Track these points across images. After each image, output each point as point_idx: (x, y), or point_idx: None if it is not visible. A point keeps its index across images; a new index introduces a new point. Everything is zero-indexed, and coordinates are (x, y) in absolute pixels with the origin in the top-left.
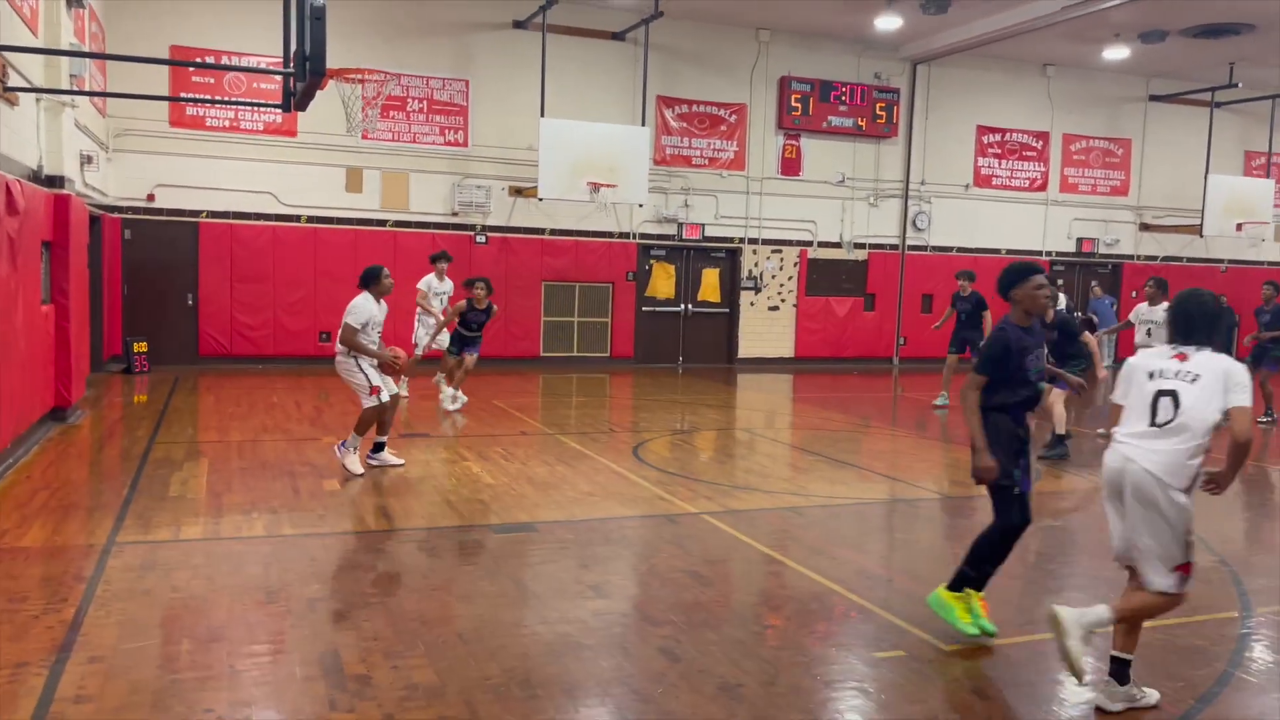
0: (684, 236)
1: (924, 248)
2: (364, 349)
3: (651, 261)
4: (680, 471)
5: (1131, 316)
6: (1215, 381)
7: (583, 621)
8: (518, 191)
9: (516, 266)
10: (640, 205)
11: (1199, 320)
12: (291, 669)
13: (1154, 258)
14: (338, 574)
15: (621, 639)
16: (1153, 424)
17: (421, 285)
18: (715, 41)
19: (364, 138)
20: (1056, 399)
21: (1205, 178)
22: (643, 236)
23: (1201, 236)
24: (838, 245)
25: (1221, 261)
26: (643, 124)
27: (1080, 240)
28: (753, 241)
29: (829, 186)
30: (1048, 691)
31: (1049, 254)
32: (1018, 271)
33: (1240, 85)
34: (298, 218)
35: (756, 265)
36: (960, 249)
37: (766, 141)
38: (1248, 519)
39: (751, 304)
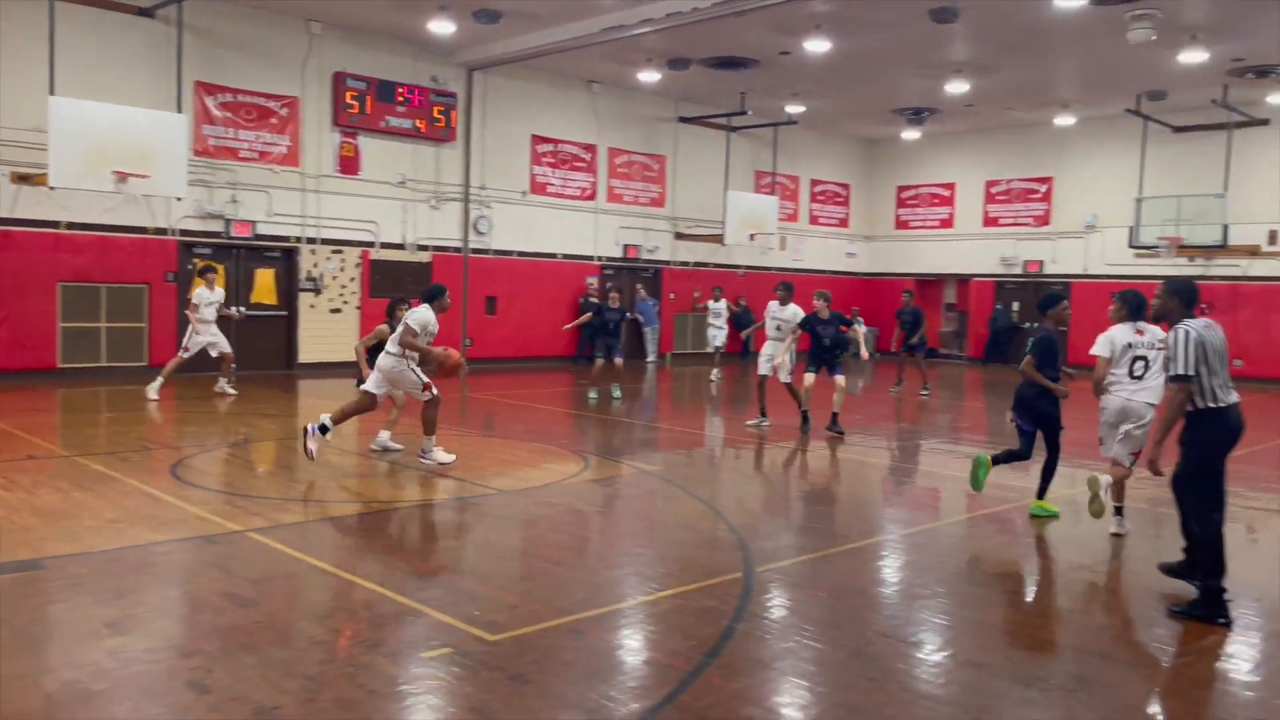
0: (233, 234)
1: (486, 251)
2: (422, 349)
3: (196, 261)
4: (226, 488)
5: (765, 315)
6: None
7: (95, 664)
8: (22, 178)
9: (22, 265)
10: (179, 199)
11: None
12: None
13: (687, 263)
14: None
15: (143, 678)
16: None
17: (195, 298)
18: (261, 29)
19: None
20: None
21: (725, 193)
22: (184, 233)
23: (724, 245)
24: (401, 247)
25: (740, 267)
26: (179, 110)
27: (626, 246)
28: (311, 241)
29: (390, 187)
30: (587, 672)
31: (600, 259)
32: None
33: (750, 113)
34: None
35: (316, 266)
36: (521, 253)
37: (322, 138)
38: (753, 489)
39: (312, 306)
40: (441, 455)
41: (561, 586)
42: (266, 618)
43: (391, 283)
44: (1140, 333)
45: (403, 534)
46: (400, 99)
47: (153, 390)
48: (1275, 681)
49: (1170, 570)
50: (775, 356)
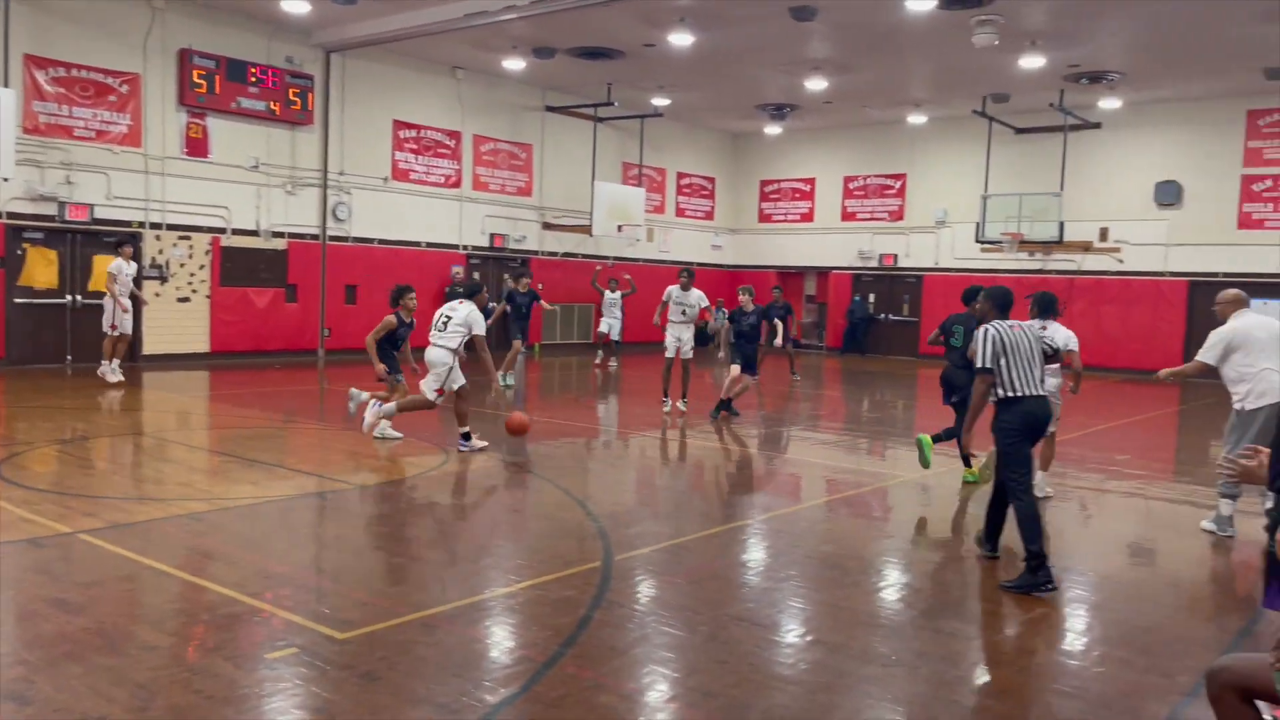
0: (68, 218)
1: (346, 239)
2: (485, 353)
3: (25, 245)
4: (56, 488)
5: (665, 297)
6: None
7: None
8: None
9: None
10: (6, 179)
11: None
12: None
13: (555, 253)
14: None
15: None
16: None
17: (112, 269)
18: (98, 0)
19: None
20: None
21: (592, 184)
22: (12, 216)
23: (592, 235)
24: (254, 233)
25: (609, 258)
26: (5, 85)
27: (493, 236)
28: (155, 226)
29: (242, 171)
30: (440, 667)
31: (466, 248)
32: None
33: (617, 104)
34: None
35: (161, 253)
36: (382, 241)
37: (167, 118)
38: (618, 478)
39: (158, 295)
40: (478, 442)
41: (416, 581)
42: (96, 624)
43: (245, 271)
44: (1044, 328)
45: (251, 533)
46: (253, 79)
47: (111, 374)
48: (1098, 650)
49: (981, 540)
50: (681, 338)
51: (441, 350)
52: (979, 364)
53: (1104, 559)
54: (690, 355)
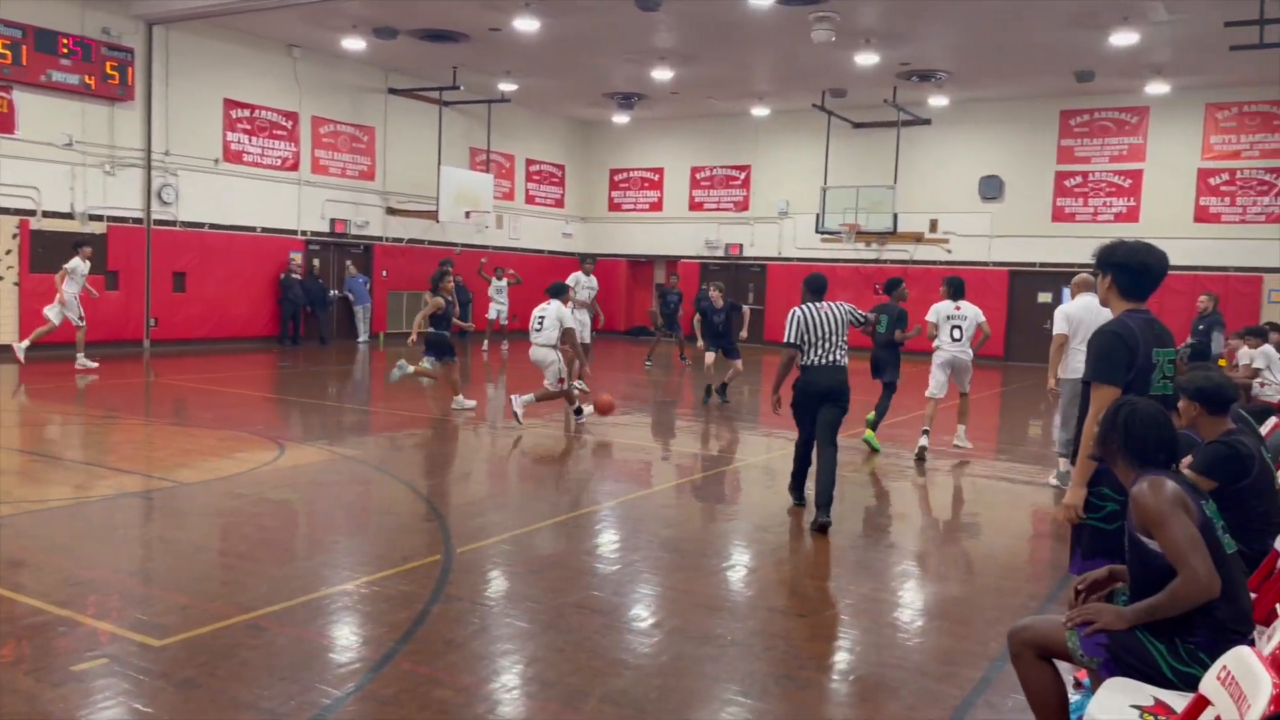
0: None
1: (173, 223)
2: (575, 344)
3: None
4: None
5: (570, 280)
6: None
7: None
8: None
9: None
10: None
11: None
12: None
13: (401, 239)
14: None
15: None
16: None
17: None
18: None
19: None
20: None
21: (438, 169)
22: None
23: (439, 222)
24: (69, 216)
25: (456, 244)
26: None
27: (334, 221)
28: None
29: (55, 149)
30: (267, 670)
31: (305, 233)
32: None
33: (463, 88)
34: None
35: None
36: (213, 225)
37: None
38: (462, 469)
39: None
40: (587, 407)
41: (243, 582)
42: None
43: (59, 256)
44: (958, 308)
45: (62, 537)
46: (64, 51)
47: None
48: (919, 621)
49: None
50: (584, 322)
51: (543, 349)
52: (785, 339)
53: (928, 534)
54: (589, 340)
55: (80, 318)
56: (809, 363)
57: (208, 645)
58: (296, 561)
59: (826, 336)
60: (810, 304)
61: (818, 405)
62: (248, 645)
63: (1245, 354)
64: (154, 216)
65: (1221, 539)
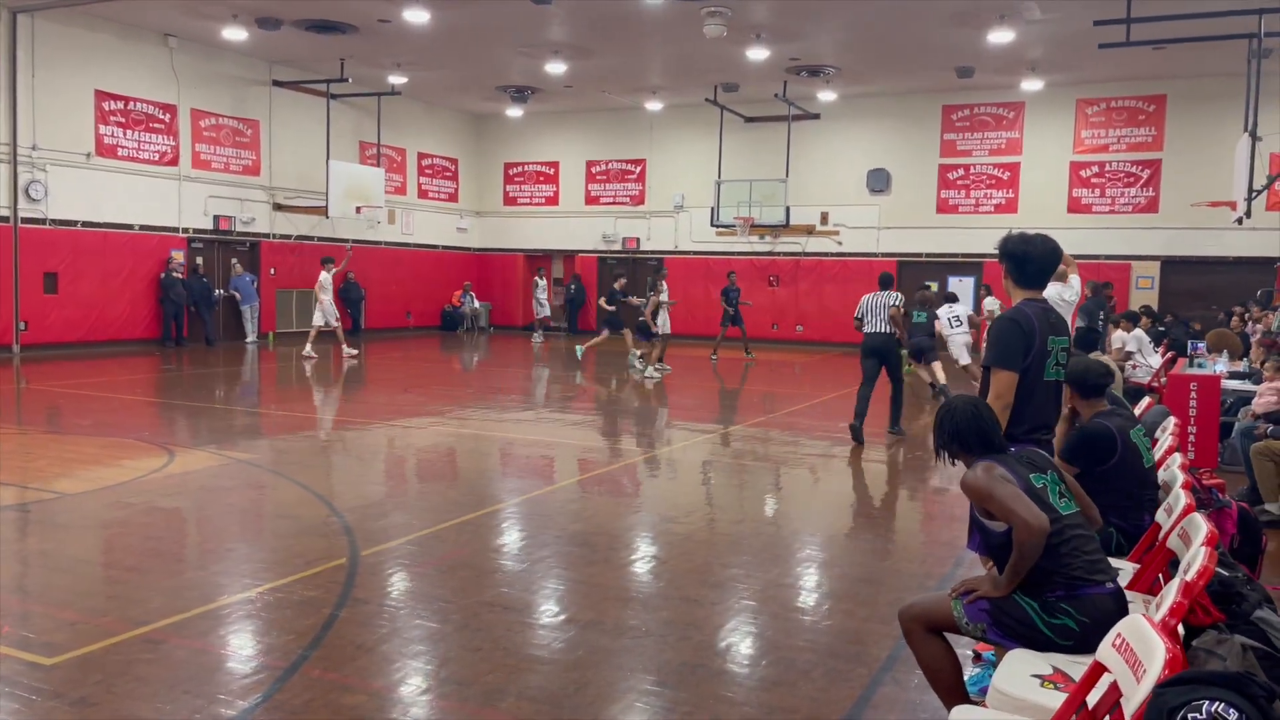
0: None
1: (43, 221)
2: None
3: None
4: None
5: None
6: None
7: None
8: None
9: None
10: None
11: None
12: None
13: (289, 236)
14: None
15: None
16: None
17: None
18: None
19: None
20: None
21: (327, 163)
22: None
23: (328, 217)
24: None
25: (347, 241)
26: None
27: (218, 218)
28: None
29: None
30: (167, 685)
31: (187, 231)
32: None
33: (351, 81)
34: None
35: None
36: (86, 223)
37: None
38: (363, 471)
39: None
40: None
41: (135, 595)
42: None
43: None
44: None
45: None
46: None
47: None
48: (826, 604)
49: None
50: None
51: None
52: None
53: (831, 519)
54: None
55: None
56: (868, 330)
57: (101, 662)
58: (191, 571)
59: (875, 312)
60: (873, 294)
61: (874, 359)
62: (144, 660)
63: (1118, 338)
64: (21, 214)
65: (1055, 503)
